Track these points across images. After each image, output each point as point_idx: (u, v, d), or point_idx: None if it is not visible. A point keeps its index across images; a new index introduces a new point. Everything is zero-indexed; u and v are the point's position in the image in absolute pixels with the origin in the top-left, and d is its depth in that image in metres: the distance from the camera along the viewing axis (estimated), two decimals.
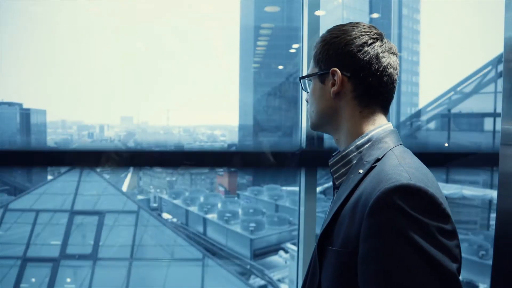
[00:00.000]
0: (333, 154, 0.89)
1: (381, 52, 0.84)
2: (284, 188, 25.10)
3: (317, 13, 2.25)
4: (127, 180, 19.67)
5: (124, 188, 18.92)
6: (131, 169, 20.93)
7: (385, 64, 0.84)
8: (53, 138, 46.48)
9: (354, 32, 0.85)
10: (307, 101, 0.97)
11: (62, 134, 50.73)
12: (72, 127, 55.25)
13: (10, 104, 23.58)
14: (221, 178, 29.07)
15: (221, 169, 33.00)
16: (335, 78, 0.85)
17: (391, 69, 0.85)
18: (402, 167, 0.72)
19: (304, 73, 0.96)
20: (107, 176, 21.45)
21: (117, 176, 20.08)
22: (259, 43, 30.77)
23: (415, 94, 23.52)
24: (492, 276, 1.06)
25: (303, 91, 1.01)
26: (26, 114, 23.54)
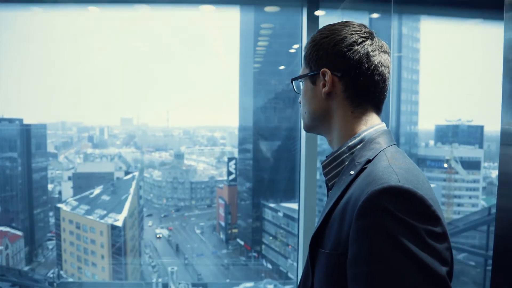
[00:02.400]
0: (327, 155, 0.88)
1: (372, 50, 0.83)
2: (282, 204, 25.24)
3: (317, 13, 2.23)
4: (128, 202, 19.74)
5: (125, 210, 19.01)
6: (131, 191, 21.22)
7: (376, 62, 0.83)
8: (53, 142, 46.47)
9: (344, 32, 0.84)
10: (300, 103, 0.97)
11: (62, 136, 50.62)
12: (72, 129, 55.11)
13: (10, 120, 23.57)
14: (221, 190, 29.11)
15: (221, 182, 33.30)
16: (326, 78, 0.85)
17: (382, 68, 0.84)
18: (392, 168, 0.71)
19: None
20: (107, 198, 21.65)
21: (118, 198, 20.19)
22: (259, 43, 30.57)
23: (415, 113, 23.56)
24: (492, 276, 1.04)
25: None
26: (26, 130, 23.56)
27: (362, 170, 0.76)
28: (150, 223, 31.04)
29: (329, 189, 0.87)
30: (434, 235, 0.65)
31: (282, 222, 23.21)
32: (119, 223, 18.29)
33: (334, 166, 0.85)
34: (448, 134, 33.24)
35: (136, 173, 24.46)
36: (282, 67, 31.16)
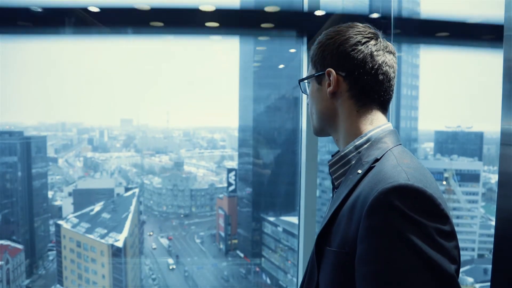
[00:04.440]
0: (333, 154, 0.89)
1: (376, 50, 0.85)
2: (282, 218, 25.29)
3: (317, 13, 2.25)
4: (128, 221, 19.76)
5: (126, 230, 19.06)
6: (132, 209, 21.21)
7: (380, 62, 0.85)
8: (53, 144, 46.47)
9: (348, 32, 0.86)
10: (308, 104, 0.99)
11: (62, 138, 50.59)
12: (72, 130, 55.03)
13: (11, 133, 23.62)
14: (221, 201, 29.13)
15: (221, 193, 33.30)
16: (331, 78, 0.87)
17: (387, 67, 0.86)
18: (401, 167, 0.72)
19: (304, 76, 0.97)
20: (108, 216, 21.67)
21: (119, 217, 20.21)
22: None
23: (414, 129, 23.59)
24: (492, 276, 1.04)
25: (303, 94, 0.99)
26: (27, 143, 23.58)
27: (369, 169, 0.77)
28: (154, 246, 28.58)
29: (334, 188, 0.88)
30: (443, 234, 0.66)
31: (281, 236, 23.31)
32: (119, 244, 18.35)
33: (341, 166, 0.86)
34: (448, 141, 33.27)
35: (136, 190, 24.49)
36: (281, 66, 31.09)
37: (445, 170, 27.01)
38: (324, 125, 0.93)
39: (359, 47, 0.84)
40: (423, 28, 2.69)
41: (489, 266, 1.03)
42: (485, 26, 2.47)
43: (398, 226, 0.64)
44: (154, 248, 28.71)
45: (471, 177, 27.40)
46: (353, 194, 0.75)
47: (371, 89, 0.85)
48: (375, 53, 0.84)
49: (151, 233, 31.26)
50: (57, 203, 28.70)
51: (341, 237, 0.74)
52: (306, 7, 2.31)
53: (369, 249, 0.67)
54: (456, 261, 0.66)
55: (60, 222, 21.48)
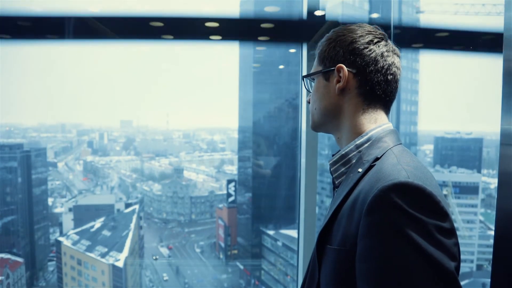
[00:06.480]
0: (333, 154, 0.90)
1: (386, 51, 0.87)
2: (281, 231, 25.36)
3: (317, 13, 2.27)
4: (128, 240, 19.79)
5: (126, 250, 19.10)
6: (132, 226, 21.23)
7: (390, 62, 0.87)
8: (53, 147, 46.43)
9: (359, 31, 0.88)
10: (308, 102, 0.98)
11: (62, 141, 50.53)
12: (72, 131, 54.90)
13: (11, 147, 23.67)
14: (221, 211, 29.15)
15: (220, 203, 33.37)
16: (341, 74, 0.87)
17: (395, 68, 0.88)
18: (401, 165, 0.73)
19: (305, 73, 0.97)
20: (108, 234, 21.72)
21: (119, 235, 20.24)
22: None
23: (413, 144, 23.60)
24: (492, 276, 1.05)
25: (303, 92, 1.03)
26: (27, 156, 23.62)
27: (370, 167, 0.78)
28: (166, 277, 25.21)
29: (335, 187, 0.89)
30: (443, 231, 0.66)
31: (281, 251, 23.42)
32: (120, 263, 18.39)
33: (341, 165, 0.87)
34: (447, 147, 33.27)
35: (136, 207, 24.47)
36: (281, 67, 30.95)
37: (444, 182, 27.08)
38: (327, 121, 0.93)
39: (371, 46, 0.85)
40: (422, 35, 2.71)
41: (488, 280, 1.04)
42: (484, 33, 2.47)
43: (398, 223, 0.65)
44: (166, 280, 25.59)
45: (470, 190, 27.50)
46: (354, 192, 0.76)
47: (380, 88, 0.86)
48: (385, 53, 0.86)
49: (157, 257, 29.09)
50: (57, 210, 28.77)
51: (342, 235, 0.75)
52: (305, 12, 2.32)
53: (369, 246, 0.68)
54: (456, 258, 0.67)
55: (60, 238, 21.52)
